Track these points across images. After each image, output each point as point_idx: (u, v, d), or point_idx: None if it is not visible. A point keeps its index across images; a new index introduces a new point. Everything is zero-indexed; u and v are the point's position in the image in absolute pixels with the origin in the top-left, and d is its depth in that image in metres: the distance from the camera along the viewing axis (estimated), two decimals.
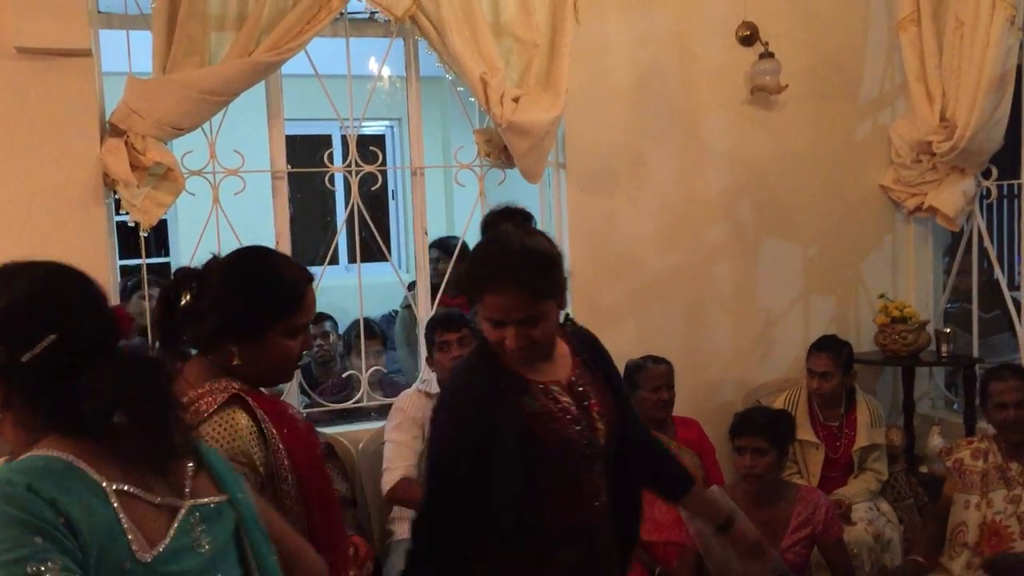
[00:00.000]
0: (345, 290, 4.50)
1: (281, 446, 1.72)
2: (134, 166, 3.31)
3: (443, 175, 5.86)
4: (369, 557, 3.33)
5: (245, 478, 1.52)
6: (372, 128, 7.28)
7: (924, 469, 4.26)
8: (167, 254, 6.62)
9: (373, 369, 4.03)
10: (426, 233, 3.96)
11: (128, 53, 3.49)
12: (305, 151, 6.01)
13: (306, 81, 3.85)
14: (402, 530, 3.39)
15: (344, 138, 3.86)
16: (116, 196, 3.43)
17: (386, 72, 6.06)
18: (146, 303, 3.91)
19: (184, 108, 3.34)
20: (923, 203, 4.37)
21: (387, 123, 7.34)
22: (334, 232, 4.16)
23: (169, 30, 3.32)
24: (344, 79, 3.77)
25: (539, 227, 4.18)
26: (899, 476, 4.10)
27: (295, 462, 1.74)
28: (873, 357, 4.35)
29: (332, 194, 6.50)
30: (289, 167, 3.80)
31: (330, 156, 3.94)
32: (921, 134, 4.21)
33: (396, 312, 5.41)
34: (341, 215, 5.47)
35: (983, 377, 3.50)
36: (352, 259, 4.86)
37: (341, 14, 3.60)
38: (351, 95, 3.79)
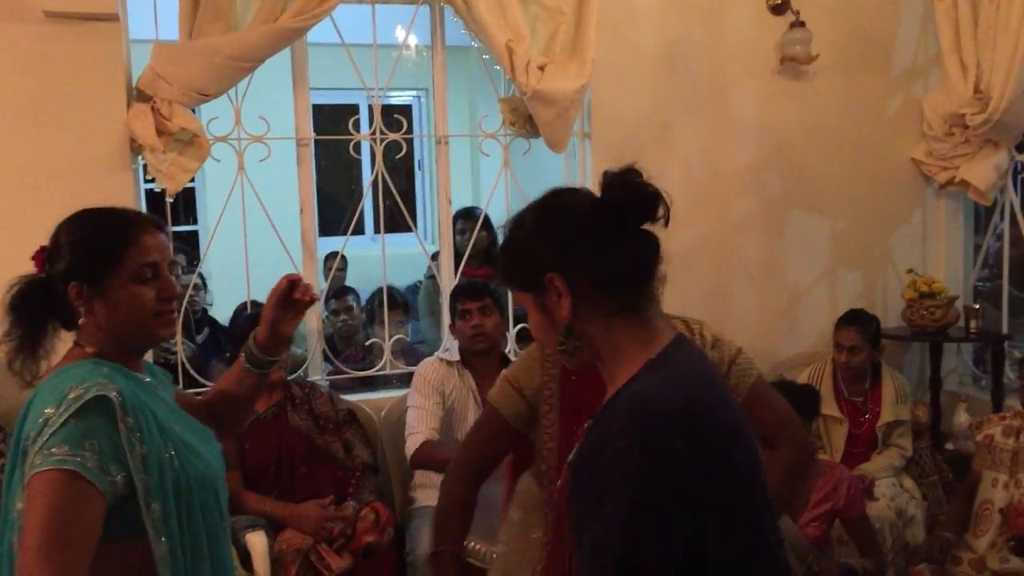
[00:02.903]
0: (370, 260, 4.50)
1: None
2: (160, 132, 3.33)
3: (469, 145, 5.83)
4: (390, 523, 3.37)
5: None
6: (399, 98, 7.27)
7: (950, 446, 4.22)
8: (195, 222, 6.66)
9: (396, 338, 4.04)
10: (450, 202, 3.95)
11: (155, 19, 3.50)
12: (332, 120, 6.02)
13: (332, 50, 3.84)
14: (423, 496, 3.41)
15: (371, 107, 3.85)
16: (143, 162, 3.44)
17: (412, 41, 6.04)
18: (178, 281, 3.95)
19: (210, 74, 3.35)
20: (955, 177, 4.30)
21: (414, 93, 7.33)
22: (359, 200, 4.15)
23: None
24: (370, 48, 3.75)
25: None
26: (924, 453, 4.07)
27: None
28: (900, 332, 4.30)
29: (358, 164, 6.53)
30: (314, 135, 3.79)
31: (356, 124, 3.91)
32: (954, 106, 4.14)
33: (420, 283, 5.41)
34: (367, 185, 5.46)
35: (990, 346, 3.44)
36: (377, 229, 4.87)
37: None
38: (376, 63, 3.77)
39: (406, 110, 7.19)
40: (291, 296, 1.91)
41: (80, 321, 1.64)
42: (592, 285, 1.35)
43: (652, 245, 1.39)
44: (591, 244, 1.35)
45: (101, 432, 1.49)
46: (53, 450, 1.45)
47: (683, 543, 1.24)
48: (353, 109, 6.48)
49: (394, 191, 3.90)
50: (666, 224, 1.38)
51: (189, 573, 1.60)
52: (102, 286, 1.62)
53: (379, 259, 3.96)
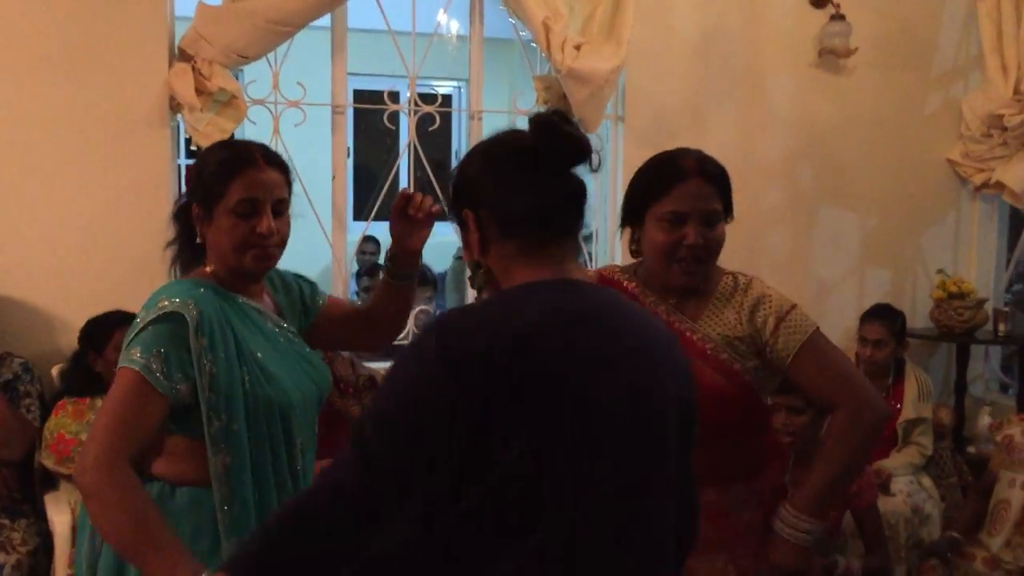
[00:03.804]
0: None
1: None
2: (199, 91, 3.39)
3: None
4: None
5: None
6: (441, 88, 7.34)
7: (971, 450, 4.17)
8: None
9: (420, 309, 4.09)
10: None
11: None
12: (376, 124, 6.10)
13: (375, 36, 3.89)
14: None
15: (416, 112, 3.88)
16: (181, 121, 3.52)
17: (454, 27, 6.11)
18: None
19: (250, 36, 3.41)
20: (990, 179, 4.27)
21: (455, 84, 7.38)
22: (390, 172, 4.19)
23: None
24: (410, 36, 3.79)
25: (594, 181, 4.25)
26: (945, 454, 4.03)
27: None
28: (928, 333, 4.27)
29: (397, 148, 6.59)
30: (350, 104, 3.85)
31: (392, 96, 3.95)
32: (993, 107, 4.11)
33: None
34: (404, 171, 5.48)
35: (1013, 351, 3.41)
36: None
37: None
38: (414, 38, 3.81)
39: (447, 100, 7.24)
40: (407, 212, 1.96)
41: (198, 241, 1.80)
42: (497, 225, 1.34)
43: (568, 193, 1.35)
44: (499, 185, 1.34)
45: (170, 343, 1.64)
46: (131, 350, 1.64)
47: (426, 469, 1.19)
48: (394, 96, 6.57)
49: (426, 164, 3.94)
50: (593, 170, 1.36)
51: (253, 491, 1.70)
52: (212, 213, 1.75)
53: None
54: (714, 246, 1.92)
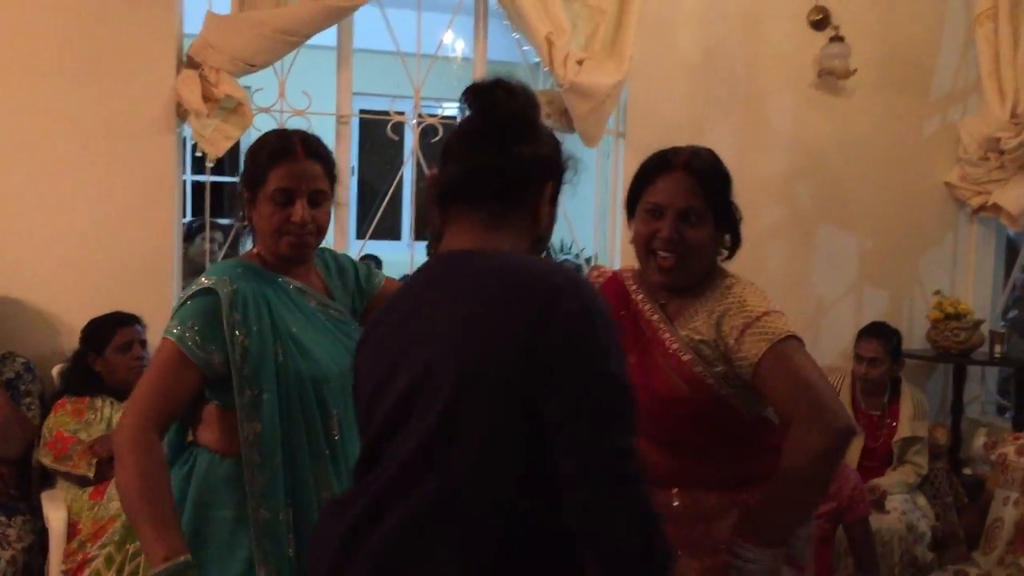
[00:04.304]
0: (404, 265, 4.56)
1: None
2: (206, 98, 3.45)
3: None
4: None
5: None
6: (446, 109, 7.40)
7: (967, 471, 4.18)
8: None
9: None
10: None
11: None
12: (379, 130, 6.17)
13: (379, 58, 3.94)
14: None
15: (419, 123, 3.93)
16: (187, 128, 3.57)
17: (459, 47, 6.18)
18: (207, 245, 4.06)
19: (258, 45, 3.47)
20: (987, 202, 4.30)
21: (460, 105, 7.44)
22: (391, 185, 4.23)
23: None
24: (421, 58, 3.86)
25: (594, 195, 4.29)
26: (940, 474, 4.03)
27: None
28: (924, 354, 4.29)
29: (401, 160, 6.65)
30: (354, 114, 3.90)
31: (396, 128, 3.98)
32: (991, 130, 4.15)
33: None
34: (407, 184, 5.53)
35: (1013, 372, 3.43)
36: (416, 236, 4.90)
37: None
38: (419, 42, 3.86)
39: (451, 120, 7.31)
40: None
41: (245, 224, 1.92)
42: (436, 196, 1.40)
43: (473, 162, 1.35)
44: (442, 156, 1.40)
45: (204, 317, 1.76)
46: (171, 323, 1.78)
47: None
48: (399, 117, 6.64)
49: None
50: (502, 148, 1.34)
51: (286, 461, 1.78)
52: (255, 198, 1.86)
53: (414, 265, 4.03)
54: (692, 245, 1.81)
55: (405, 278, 1.88)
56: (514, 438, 1.23)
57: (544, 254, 1.45)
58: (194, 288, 1.80)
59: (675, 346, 1.82)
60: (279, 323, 1.82)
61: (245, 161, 1.89)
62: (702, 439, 1.81)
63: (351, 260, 2.12)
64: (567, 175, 1.45)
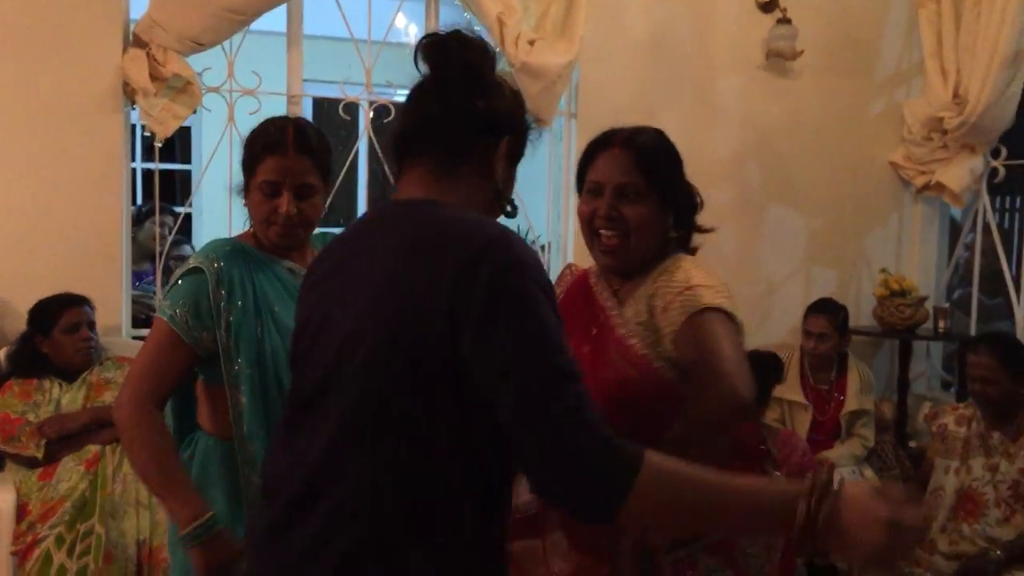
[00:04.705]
0: None
1: None
2: (154, 77, 3.42)
3: None
4: None
5: None
6: (399, 96, 7.38)
7: (913, 444, 4.28)
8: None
9: None
10: None
11: None
12: (332, 114, 6.14)
13: (331, 44, 3.92)
14: None
15: (371, 103, 3.92)
16: (135, 108, 3.53)
17: (412, 31, 6.17)
18: (157, 229, 4.02)
19: (206, 23, 3.44)
20: (931, 181, 4.39)
21: None
22: (340, 176, 4.20)
23: None
24: (373, 44, 3.84)
25: (548, 177, 4.31)
26: (886, 446, 4.13)
27: None
28: (871, 330, 4.38)
29: (357, 155, 6.63)
30: (305, 94, 3.88)
31: (349, 108, 3.97)
32: (933, 110, 4.24)
33: None
34: (363, 169, 5.52)
35: (963, 347, 3.52)
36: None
37: None
38: (370, 26, 3.85)
39: None
40: None
41: (244, 205, 1.97)
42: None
43: (416, 115, 1.35)
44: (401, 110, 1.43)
45: (193, 295, 1.84)
46: (164, 302, 1.88)
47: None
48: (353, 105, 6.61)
49: (383, 158, 3.97)
50: (452, 98, 1.34)
51: (267, 431, 1.84)
52: (248, 185, 1.93)
53: None
54: (632, 222, 1.76)
55: None
56: (441, 402, 1.20)
57: (511, 210, 1.43)
58: (185, 267, 1.89)
59: (621, 331, 1.78)
60: (261, 301, 1.88)
61: (243, 145, 1.95)
62: (657, 428, 1.64)
63: None
64: (530, 136, 1.44)
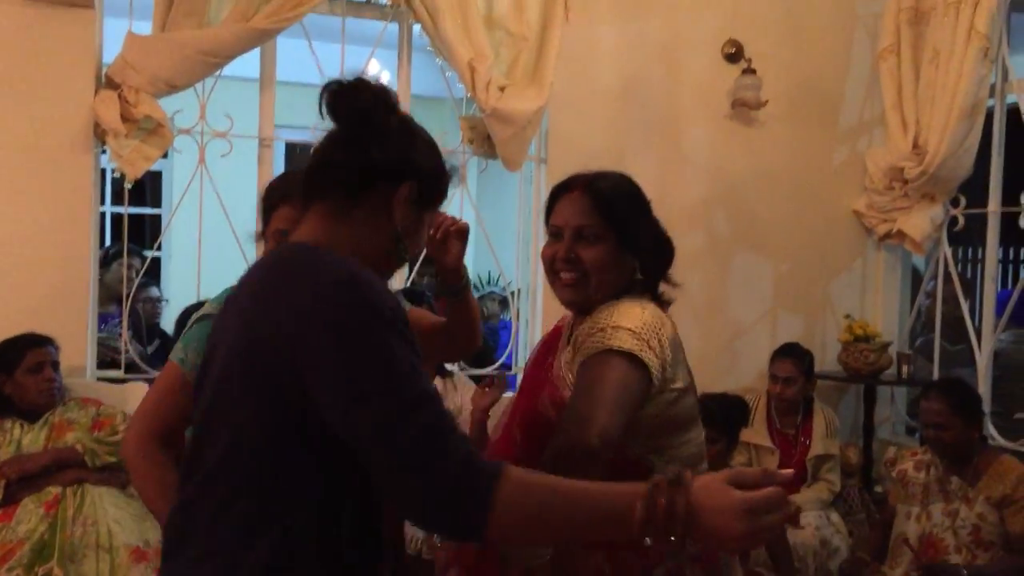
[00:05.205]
0: None
1: None
2: (124, 118, 3.42)
3: None
4: None
5: None
6: None
7: (879, 489, 4.31)
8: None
9: None
10: None
11: (130, 9, 3.60)
12: (304, 160, 6.19)
13: (303, 90, 3.94)
14: None
15: None
16: (104, 148, 3.53)
17: (385, 78, 6.23)
18: (124, 271, 4.00)
19: (179, 66, 3.46)
20: (893, 229, 4.48)
21: None
22: None
23: None
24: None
25: (518, 221, 4.35)
26: (852, 491, 4.16)
27: None
28: (836, 375, 4.43)
29: None
30: (276, 138, 3.90)
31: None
32: (894, 159, 4.34)
33: None
34: None
35: (919, 393, 3.56)
36: None
37: None
38: (343, 73, 3.88)
39: None
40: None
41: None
42: None
43: (311, 164, 1.42)
44: None
45: (204, 340, 1.78)
46: (176, 346, 1.96)
47: None
48: None
49: None
50: (347, 144, 1.39)
51: None
52: (264, 233, 2.01)
53: None
54: (589, 264, 1.76)
55: None
56: (278, 432, 1.25)
57: (419, 262, 1.47)
58: (200, 312, 1.98)
59: (554, 371, 1.79)
60: None
61: (262, 196, 2.03)
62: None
63: None
64: (445, 183, 1.48)
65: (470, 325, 2.15)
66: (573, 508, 1.19)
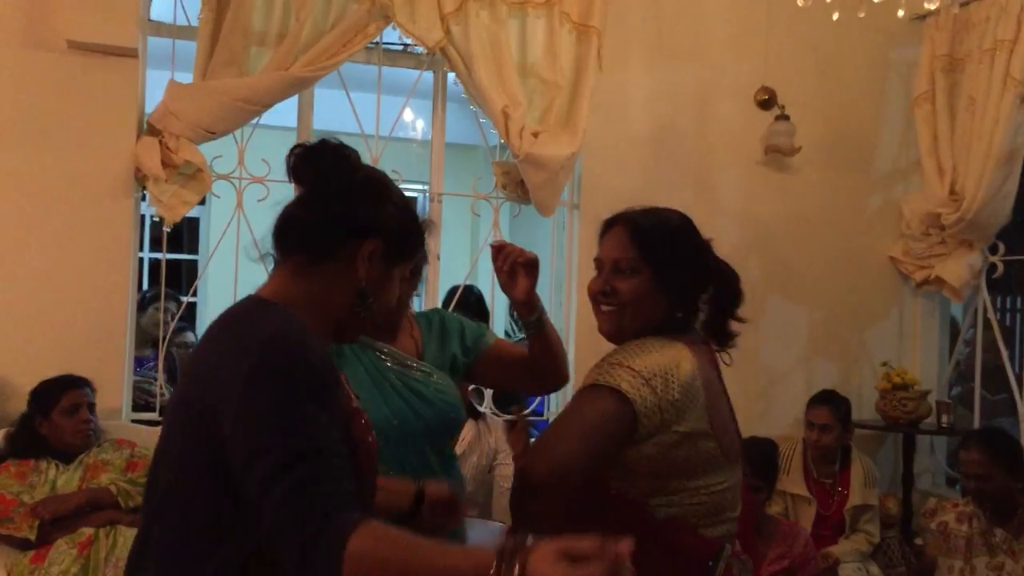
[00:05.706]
0: None
1: None
2: (165, 163, 3.49)
3: (469, 226, 6.01)
4: None
5: None
6: (407, 188, 7.48)
7: (918, 540, 4.20)
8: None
9: None
10: (438, 258, 4.06)
11: (172, 58, 3.70)
12: None
13: (341, 137, 4.00)
14: None
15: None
16: (144, 192, 3.59)
17: (420, 126, 6.30)
18: (161, 315, 4.05)
19: (219, 113, 3.53)
20: (930, 275, 4.43)
21: (421, 186, 7.53)
22: None
23: (213, 41, 3.54)
24: (376, 138, 3.94)
25: (550, 267, 4.35)
26: (892, 543, 4.07)
27: None
28: (874, 424, 4.35)
29: None
30: None
31: None
32: (931, 206, 4.30)
33: None
34: None
35: (957, 444, 3.50)
36: None
37: (376, 43, 3.82)
38: (378, 122, 3.95)
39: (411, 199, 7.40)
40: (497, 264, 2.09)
41: None
42: None
43: (277, 222, 1.48)
44: None
45: None
46: None
47: None
48: None
49: None
50: (308, 203, 1.46)
51: None
52: None
53: None
54: (625, 296, 1.80)
55: None
56: (207, 482, 1.31)
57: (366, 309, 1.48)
58: None
59: None
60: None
61: None
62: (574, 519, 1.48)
63: (459, 320, 2.27)
64: (415, 238, 1.53)
65: (554, 358, 2.18)
66: (426, 567, 1.20)
